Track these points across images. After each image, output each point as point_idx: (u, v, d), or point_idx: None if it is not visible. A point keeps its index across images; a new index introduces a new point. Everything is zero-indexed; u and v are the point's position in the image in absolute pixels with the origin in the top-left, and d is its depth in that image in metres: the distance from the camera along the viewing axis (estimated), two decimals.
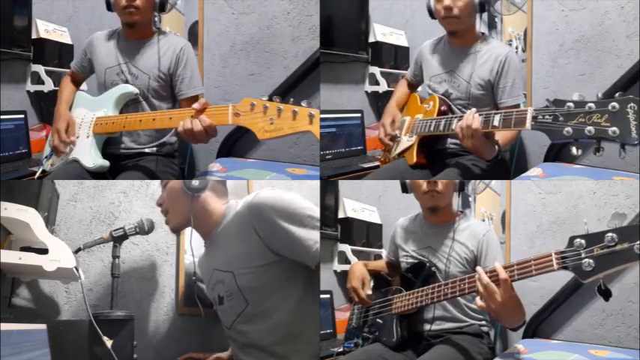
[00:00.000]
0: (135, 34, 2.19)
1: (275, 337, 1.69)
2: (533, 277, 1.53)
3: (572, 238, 1.45)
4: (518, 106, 2.04)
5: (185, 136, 1.86)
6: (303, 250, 1.65)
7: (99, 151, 2.10)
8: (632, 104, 1.43)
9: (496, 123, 1.73)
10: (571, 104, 1.50)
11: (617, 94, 1.46)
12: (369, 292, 2.05)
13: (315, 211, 1.68)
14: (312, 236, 1.65)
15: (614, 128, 1.44)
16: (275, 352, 1.69)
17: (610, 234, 1.38)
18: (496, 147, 1.83)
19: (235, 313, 1.74)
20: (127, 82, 2.16)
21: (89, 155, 2.08)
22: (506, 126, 1.70)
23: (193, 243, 1.99)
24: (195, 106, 1.84)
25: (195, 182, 1.81)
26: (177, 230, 1.90)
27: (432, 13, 2.09)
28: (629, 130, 1.42)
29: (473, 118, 1.76)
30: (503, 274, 1.55)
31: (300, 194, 1.72)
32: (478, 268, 1.63)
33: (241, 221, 1.71)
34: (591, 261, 1.40)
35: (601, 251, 1.39)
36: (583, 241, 1.43)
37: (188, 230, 1.92)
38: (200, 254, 1.95)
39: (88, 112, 2.15)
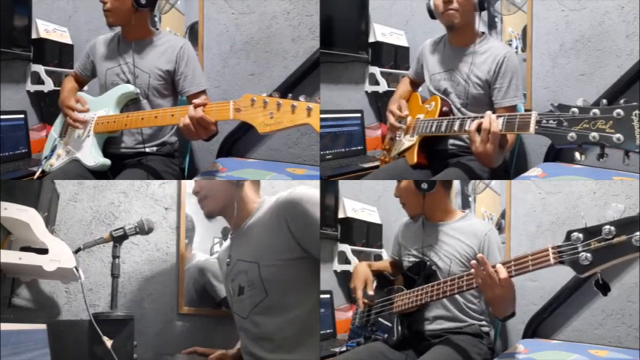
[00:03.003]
0: (133, 34, 2.19)
1: (289, 332, 1.69)
2: (531, 273, 1.54)
3: (569, 233, 1.44)
4: (514, 107, 2.03)
5: (186, 131, 1.87)
6: None
7: (100, 150, 2.11)
8: (636, 112, 1.43)
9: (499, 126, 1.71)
10: (575, 110, 1.50)
11: (621, 100, 1.46)
12: (371, 292, 2.05)
13: None
14: None
15: (618, 135, 1.44)
16: (285, 347, 1.69)
17: (607, 227, 1.37)
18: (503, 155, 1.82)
19: (253, 303, 1.74)
20: (127, 82, 2.16)
21: (90, 154, 2.09)
22: (510, 129, 1.68)
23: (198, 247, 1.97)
24: (196, 101, 1.87)
25: None
26: (211, 215, 1.90)
27: (432, 14, 2.09)
28: (634, 138, 1.42)
29: (492, 121, 1.71)
30: (503, 273, 1.58)
31: None
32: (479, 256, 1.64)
33: (274, 214, 1.73)
34: (589, 255, 1.39)
35: (598, 244, 1.38)
36: (580, 235, 1.41)
37: (194, 231, 1.92)
38: (223, 246, 1.98)
39: (88, 112, 2.15)
